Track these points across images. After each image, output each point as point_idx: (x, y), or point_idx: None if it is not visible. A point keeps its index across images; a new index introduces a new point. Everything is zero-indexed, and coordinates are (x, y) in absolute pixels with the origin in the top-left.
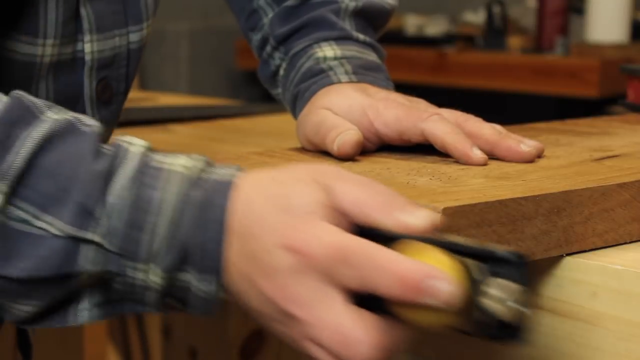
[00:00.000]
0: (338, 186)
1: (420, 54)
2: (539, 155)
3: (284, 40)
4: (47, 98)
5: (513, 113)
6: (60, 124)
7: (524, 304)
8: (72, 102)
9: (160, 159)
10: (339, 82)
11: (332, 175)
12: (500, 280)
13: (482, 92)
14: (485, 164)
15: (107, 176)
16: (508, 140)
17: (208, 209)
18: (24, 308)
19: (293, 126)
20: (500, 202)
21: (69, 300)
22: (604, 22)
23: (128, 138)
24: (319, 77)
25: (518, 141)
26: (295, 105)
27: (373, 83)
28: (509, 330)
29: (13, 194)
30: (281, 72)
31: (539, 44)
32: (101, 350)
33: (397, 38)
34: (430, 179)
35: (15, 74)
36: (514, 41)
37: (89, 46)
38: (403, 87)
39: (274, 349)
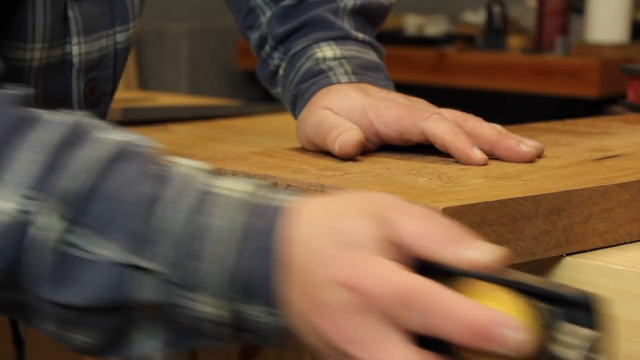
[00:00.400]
0: (397, 218)
1: (420, 54)
2: (539, 155)
3: (282, 40)
4: (35, 102)
5: (513, 113)
6: (118, 147)
7: (597, 352)
8: (60, 104)
9: (219, 184)
10: (339, 82)
11: (390, 206)
12: (571, 326)
13: (482, 92)
14: (485, 164)
15: (160, 201)
16: (508, 140)
17: (268, 238)
18: (82, 338)
19: (293, 126)
20: (500, 202)
21: (128, 331)
22: (604, 22)
23: (185, 161)
24: (319, 77)
25: (518, 141)
26: (295, 105)
27: (373, 83)
28: None
29: (74, 220)
30: (281, 71)
31: (539, 44)
32: None
33: (397, 38)
34: (430, 179)
35: (4, 79)
36: (514, 41)
37: (76, 48)
38: (403, 87)
39: (274, 349)
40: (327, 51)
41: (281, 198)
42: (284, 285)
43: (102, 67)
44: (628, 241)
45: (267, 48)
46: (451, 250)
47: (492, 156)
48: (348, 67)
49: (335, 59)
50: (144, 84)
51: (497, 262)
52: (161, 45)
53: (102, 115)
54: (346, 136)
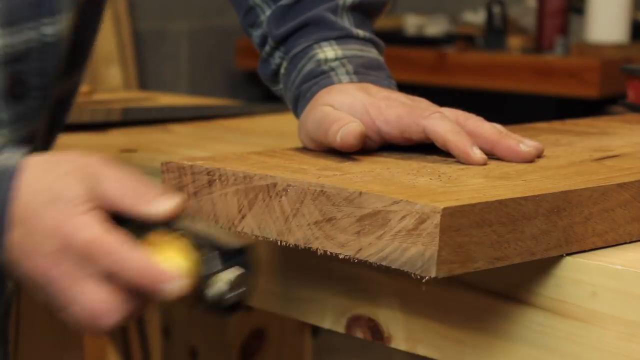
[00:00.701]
0: (102, 177)
1: (420, 54)
2: (539, 155)
3: (283, 41)
4: None
5: (513, 113)
6: None
7: (245, 286)
8: None
9: None
10: (340, 82)
11: (97, 166)
12: (227, 270)
13: (482, 92)
14: (484, 164)
15: None
16: (508, 139)
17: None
18: None
19: (293, 126)
20: (500, 202)
21: None
22: (604, 22)
23: None
24: (320, 78)
25: (518, 141)
26: (297, 106)
27: (375, 82)
28: (232, 308)
29: None
30: (282, 70)
31: (539, 44)
32: (101, 350)
33: (397, 38)
34: (430, 179)
35: None
36: (514, 41)
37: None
38: (403, 87)
39: (274, 349)
40: (328, 52)
41: (11, 158)
42: (8, 230)
43: (29, 61)
44: (628, 241)
45: (267, 48)
46: (144, 204)
47: (492, 155)
48: (350, 67)
49: (336, 59)
50: (144, 84)
51: (177, 213)
52: (161, 45)
53: (34, 111)
54: (348, 127)
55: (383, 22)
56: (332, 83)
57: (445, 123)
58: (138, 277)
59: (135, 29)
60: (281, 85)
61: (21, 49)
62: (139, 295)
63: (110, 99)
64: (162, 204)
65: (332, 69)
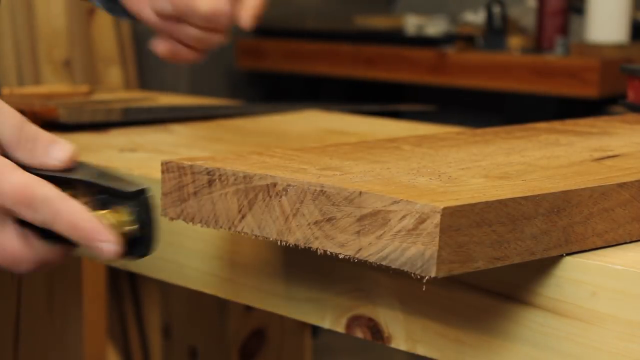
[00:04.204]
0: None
1: (420, 54)
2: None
3: None
4: None
5: (513, 113)
6: None
7: (141, 225)
8: None
9: None
10: None
11: None
12: (120, 209)
13: (482, 92)
14: None
15: None
16: None
17: None
18: None
19: (293, 126)
20: (500, 201)
21: None
22: (604, 22)
23: None
24: None
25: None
26: None
27: None
28: (133, 249)
29: None
30: None
31: (539, 44)
32: (101, 350)
33: (397, 38)
34: (430, 178)
35: None
36: (514, 41)
37: None
38: (403, 87)
39: (274, 349)
40: None
41: None
42: None
43: None
44: (628, 241)
45: None
46: (40, 155)
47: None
48: None
49: None
50: (144, 84)
51: (72, 160)
52: None
53: None
54: None
55: (383, 22)
56: None
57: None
58: (72, 230)
59: (135, 29)
60: None
61: None
62: (65, 244)
63: (110, 99)
64: (56, 153)
65: None
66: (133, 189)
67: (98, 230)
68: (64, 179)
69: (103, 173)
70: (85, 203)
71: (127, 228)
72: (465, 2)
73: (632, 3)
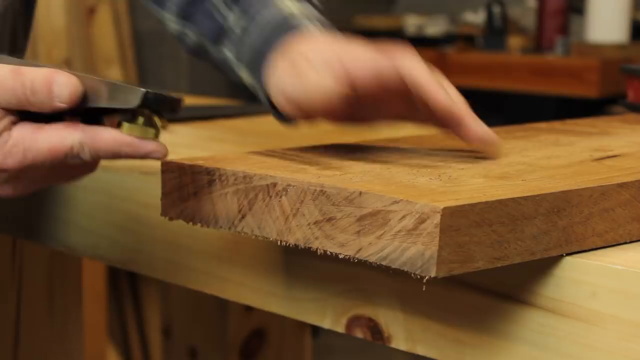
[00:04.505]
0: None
1: (420, 54)
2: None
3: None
4: None
5: (513, 113)
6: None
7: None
8: None
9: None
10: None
11: None
12: (140, 119)
13: (482, 92)
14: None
15: None
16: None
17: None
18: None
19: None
20: (500, 201)
21: None
22: (604, 22)
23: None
24: (289, 28)
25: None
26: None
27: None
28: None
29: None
30: (232, 27)
31: (539, 44)
32: (101, 350)
33: (397, 38)
34: (430, 178)
35: None
36: (514, 41)
37: None
38: None
39: (274, 349)
40: (291, 6)
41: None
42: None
43: None
44: (628, 241)
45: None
46: (48, 99)
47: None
48: (314, 20)
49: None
50: (144, 84)
51: (76, 96)
52: (161, 45)
53: None
54: None
55: (383, 22)
56: (301, 33)
57: (421, 66)
58: (117, 157)
59: (135, 29)
60: (227, 47)
61: None
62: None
63: None
64: (59, 95)
65: (299, 21)
66: (136, 100)
67: (140, 146)
68: (77, 111)
69: (101, 89)
70: (111, 125)
71: (152, 128)
72: (465, 2)
73: (632, 3)
